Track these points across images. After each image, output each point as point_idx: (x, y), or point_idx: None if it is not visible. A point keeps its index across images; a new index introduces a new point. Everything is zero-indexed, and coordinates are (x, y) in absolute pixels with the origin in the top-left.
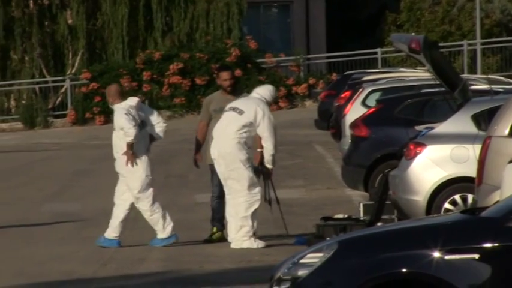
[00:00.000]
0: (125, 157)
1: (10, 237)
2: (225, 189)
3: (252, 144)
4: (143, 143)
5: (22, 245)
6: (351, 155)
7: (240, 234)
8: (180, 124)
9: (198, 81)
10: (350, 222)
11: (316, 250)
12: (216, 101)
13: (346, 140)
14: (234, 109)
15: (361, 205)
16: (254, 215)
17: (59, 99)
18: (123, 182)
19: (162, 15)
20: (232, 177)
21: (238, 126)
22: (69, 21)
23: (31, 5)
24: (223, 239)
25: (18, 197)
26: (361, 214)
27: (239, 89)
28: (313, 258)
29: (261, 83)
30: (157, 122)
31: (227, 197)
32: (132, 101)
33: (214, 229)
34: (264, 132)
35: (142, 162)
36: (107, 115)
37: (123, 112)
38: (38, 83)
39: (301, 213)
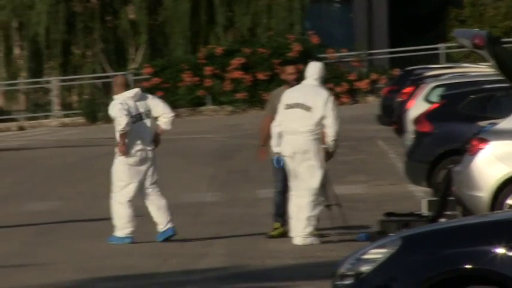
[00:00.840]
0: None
1: (72, 231)
2: (292, 185)
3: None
4: (140, 135)
5: (83, 239)
6: (413, 151)
7: (304, 231)
8: (242, 119)
9: (259, 76)
10: (413, 218)
11: (379, 246)
12: (281, 96)
13: (409, 136)
14: (300, 105)
15: (424, 201)
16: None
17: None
18: None
19: (224, 10)
20: (303, 175)
21: (311, 124)
22: (131, 16)
23: (93, 0)
24: (285, 234)
25: (79, 192)
26: (424, 210)
27: None
28: (377, 254)
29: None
30: (163, 113)
31: (292, 194)
32: (130, 92)
33: (277, 224)
34: (329, 118)
35: (135, 155)
36: None
37: (118, 102)
38: (99, 77)
39: (363, 209)
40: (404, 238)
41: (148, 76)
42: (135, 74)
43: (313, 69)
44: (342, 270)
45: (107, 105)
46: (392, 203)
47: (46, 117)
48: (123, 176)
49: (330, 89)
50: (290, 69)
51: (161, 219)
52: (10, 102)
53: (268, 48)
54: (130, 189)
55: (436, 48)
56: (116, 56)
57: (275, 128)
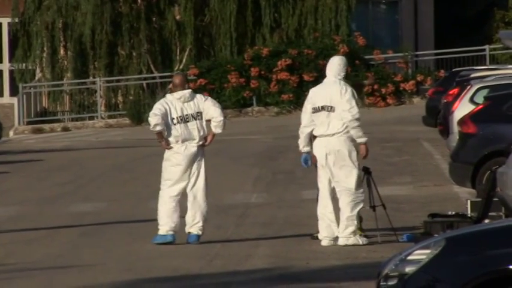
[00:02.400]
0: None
1: (117, 233)
2: (330, 187)
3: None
4: (186, 136)
5: (128, 241)
6: (458, 152)
7: (346, 232)
8: (288, 120)
9: (306, 77)
10: (457, 219)
11: (423, 247)
12: None
13: (454, 137)
14: (325, 108)
15: (469, 202)
16: (358, 213)
17: (166, 95)
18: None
19: (270, 11)
20: (339, 176)
21: (339, 124)
22: (177, 17)
23: (139, 0)
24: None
25: (126, 193)
26: (469, 211)
27: None
28: (421, 255)
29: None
30: (213, 117)
31: (327, 196)
32: (179, 94)
33: None
34: (346, 107)
35: (182, 155)
36: None
37: (159, 102)
38: (145, 78)
39: (408, 210)
40: (448, 239)
41: (194, 77)
42: None
43: (332, 65)
44: (386, 271)
45: (152, 106)
46: (437, 204)
47: (91, 118)
48: (169, 175)
49: (376, 90)
50: None
51: (191, 221)
52: (55, 103)
53: (314, 49)
54: (175, 189)
55: (482, 50)
56: (161, 57)
57: (303, 129)
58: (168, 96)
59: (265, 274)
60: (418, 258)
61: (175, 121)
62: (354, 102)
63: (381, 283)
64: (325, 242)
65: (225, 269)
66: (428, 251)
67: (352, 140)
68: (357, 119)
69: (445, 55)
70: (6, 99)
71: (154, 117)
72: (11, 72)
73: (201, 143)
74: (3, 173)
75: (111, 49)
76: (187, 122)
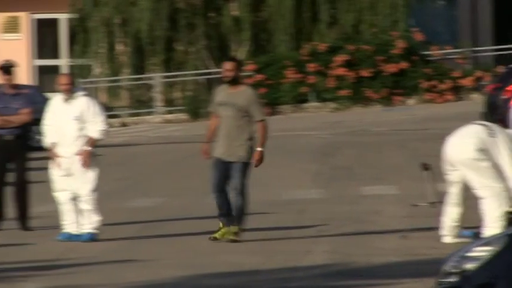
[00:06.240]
0: None
1: (176, 228)
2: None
3: None
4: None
5: (187, 236)
6: None
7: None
8: (346, 116)
9: (363, 73)
10: None
11: (484, 243)
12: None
13: None
14: None
15: None
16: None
17: None
18: None
19: (327, 6)
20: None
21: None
22: (234, 13)
23: None
24: None
25: (183, 188)
26: None
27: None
28: (482, 251)
29: (428, 76)
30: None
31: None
32: None
33: None
34: None
35: None
36: (273, 107)
37: None
38: (202, 74)
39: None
40: (510, 236)
41: (251, 73)
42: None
43: None
44: (447, 268)
45: (209, 101)
46: None
47: (149, 113)
48: None
49: (434, 86)
50: (227, 65)
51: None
52: (113, 98)
53: (372, 45)
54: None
55: None
56: (218, 53)
57: None
58: None
59: (324, 270)
60: (478, 255)
61: None
62: None
63: (441, 280)
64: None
65: (284, 265)
66: (489, 248)
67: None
68: None
69: (504, 51)
70: None
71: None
72: (69, 68)
73: None
74: None
75: (169, 45)
76: None
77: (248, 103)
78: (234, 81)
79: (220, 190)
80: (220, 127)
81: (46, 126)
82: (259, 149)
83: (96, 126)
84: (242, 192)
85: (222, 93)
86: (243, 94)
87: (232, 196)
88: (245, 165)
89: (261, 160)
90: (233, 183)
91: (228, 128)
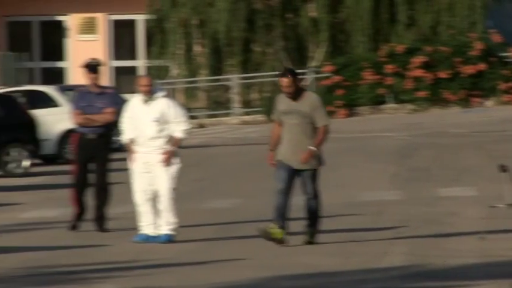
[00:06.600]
0: None
1: (253, 229)
2: None
3: None
4: None
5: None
6: None
7: None
8: (424, 118)
9: (441, 74)
10: None
11: None
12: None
13: None
14: None
15: None
16: None
17: None
18: None
19: (405, 8)
20: None
21: None
22: (312, 14)
23: None
24: None
25: (261, 189)
26: None
27: None
28: None
29: (506, 77)
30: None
31: None
32: None
33: None
34: None
35: None
36: (350, 108)
37: None
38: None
39: None
40: None
41: (328, 74)
42: (316, 72)
43: None
44: None
45: None
46: None
47: (226, 114)
48: None
49: None
50: (284, 82)
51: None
52: (190, 99)
53: (449, 46)
54: None
55: None
56: (296, 54)
57: None
58: None
59: (402, 272)
60: None
61: None
62: None
63: None
64: None
65: (361, 267)
66: None
67: None
68: None
69: None
70: None
71: None
72: (146, 69)
73: None
74: None
75: (246, 46)
76: None
77: (312, 109)
78: (296, 95)
79: (285, 191)
80: (284, 134)
81: (124, 124)
82: (312, 147)
83: (180, 126)
84: (316, 196)
85: (285, 100)
86: (307, 101)
87: (306, 201)
88: (315, 172)
89: (308, 158)
90: (305, 189)
91: (294, 136)
